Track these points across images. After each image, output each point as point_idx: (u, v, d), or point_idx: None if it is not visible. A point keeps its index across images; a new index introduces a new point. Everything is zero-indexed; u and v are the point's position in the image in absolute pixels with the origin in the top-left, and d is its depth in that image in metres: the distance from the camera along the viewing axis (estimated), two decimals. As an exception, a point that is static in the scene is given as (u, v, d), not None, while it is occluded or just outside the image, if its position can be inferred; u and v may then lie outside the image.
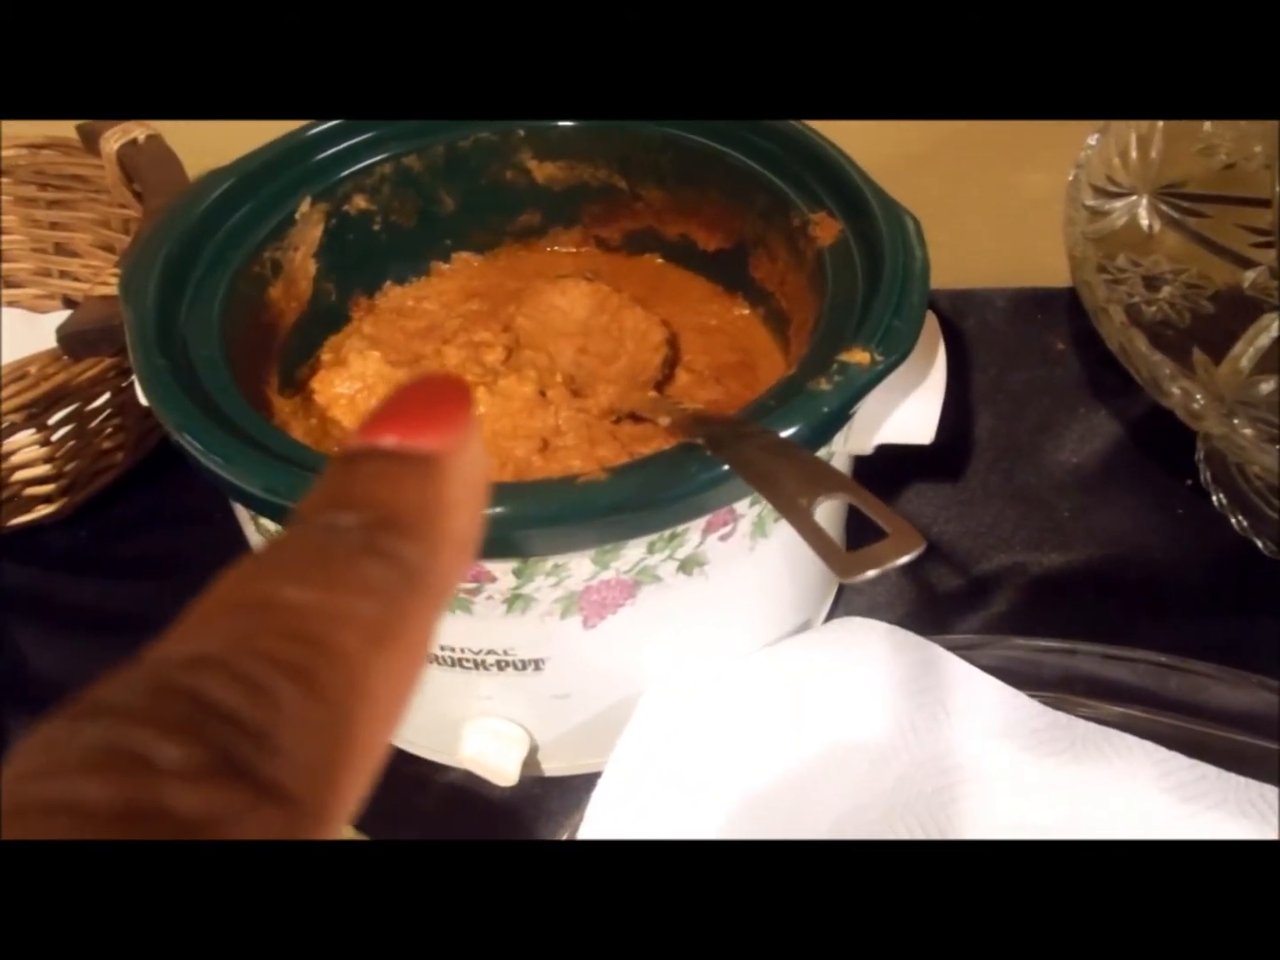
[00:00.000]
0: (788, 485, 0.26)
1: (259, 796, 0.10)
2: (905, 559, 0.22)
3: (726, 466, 0.30)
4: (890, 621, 0.39)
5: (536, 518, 0.30)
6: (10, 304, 0.56)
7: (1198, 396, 0.36)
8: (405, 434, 0.13)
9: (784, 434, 0.31)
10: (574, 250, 0.47)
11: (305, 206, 0.41)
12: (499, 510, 0.29)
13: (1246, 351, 0.40)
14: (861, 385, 0.32)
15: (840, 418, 0.33)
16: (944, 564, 0.46)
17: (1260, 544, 0.44)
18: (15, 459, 0.44)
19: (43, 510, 0.47)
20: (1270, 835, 0.35)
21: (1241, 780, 0.35)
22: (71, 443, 0.45)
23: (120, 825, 0.10)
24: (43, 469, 0.45)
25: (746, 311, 0.44)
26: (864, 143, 0.40)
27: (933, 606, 0.44)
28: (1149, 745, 0.36)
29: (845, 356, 0.33)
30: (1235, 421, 0.36)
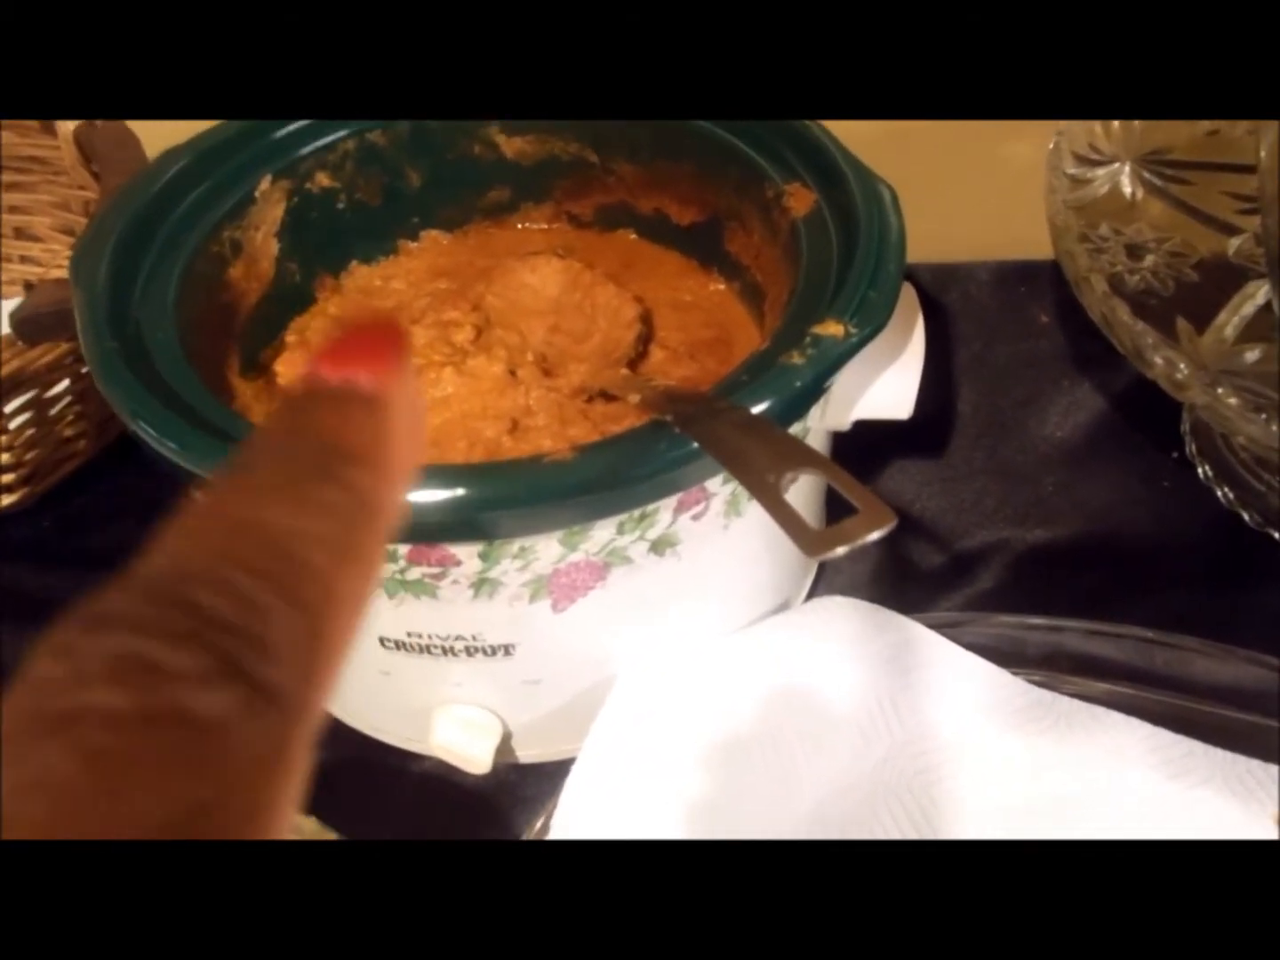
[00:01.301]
0: (756, 462, 0.25)
1: (258, 696, 0.12)
2: (876, 535, 0.22)
3: (696, 444, 0.29)
4: (872, 600, 0.38)
5: (501, 499, 0.29)
6: (-29, 291, 0.55)
7: (1181, 366, 0.36)
8: (349, 373, 0.14)
9: (756, 409, 0.30)
10: (545, 227, 0.46)
11: (265, 185, 0.40)
12: (462, 492, 0.29)
13: (1231, 320, 0.39)
14: (836, 358, 0.31)
15: (814, 392, 0.32)
16: (926, 541, 0.45)
17: (1247, 516, 0.44)
18: (-27, 448, 0.43)
19: (4, 500, 0.46)
20: (1258, 811, 0.34)
21: (1229, 755, 0.35)
22: (30, 431, 0.44)
23: (143, 730, 0.11)
24: (2, 458, 0.44)
25: (722, 286, 0.43)
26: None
27: (915, 585, 0.44)
28: (1135, 721, 0.36)
29: (819, 329, 0.32)
30: (1220, 391, 0.36)
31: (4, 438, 0.43)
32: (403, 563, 0.31)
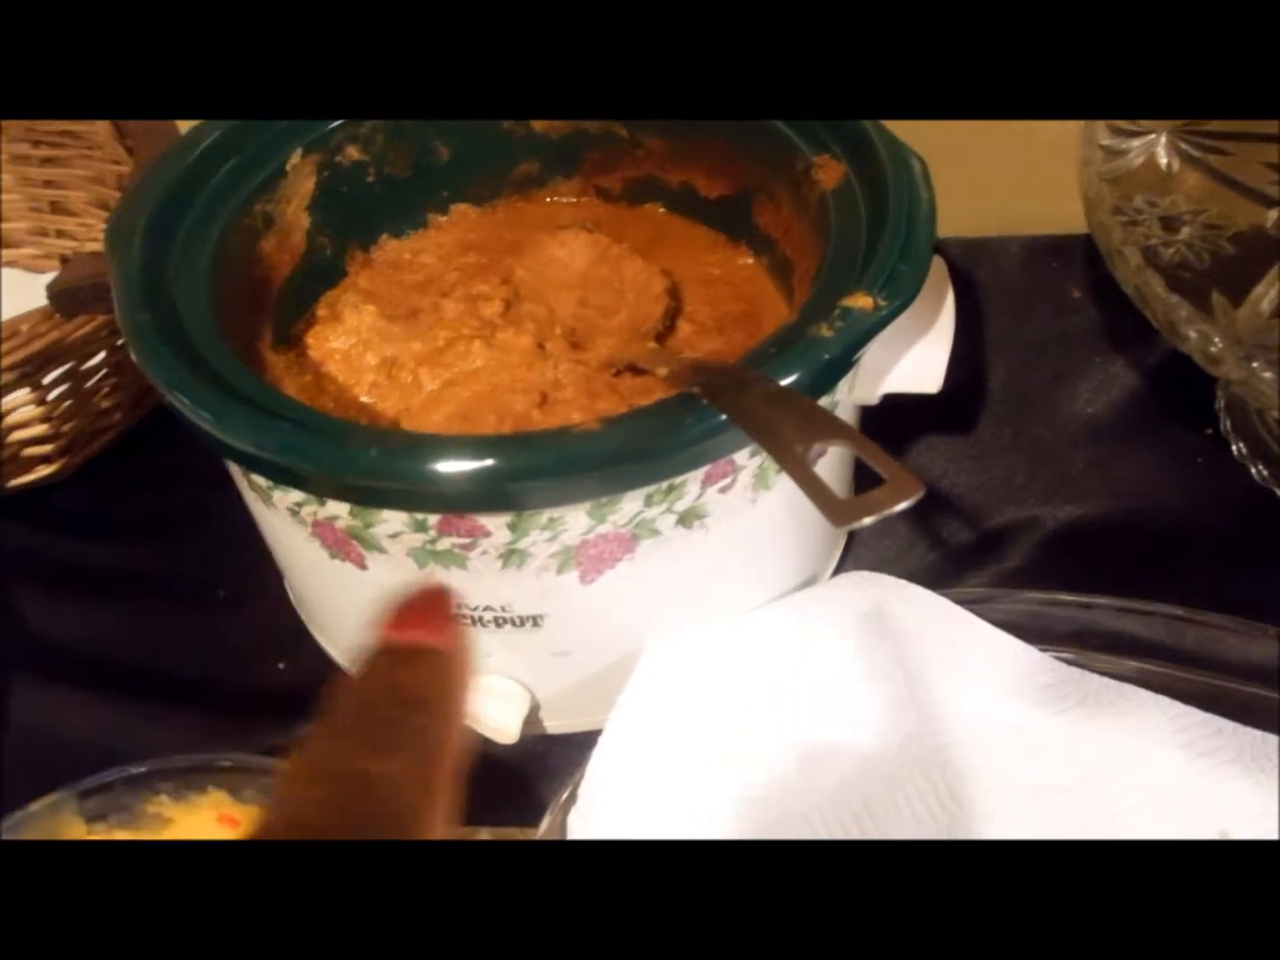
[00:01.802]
0: (784, 433, 0.25)
1: None
2: (903, 505, 0.22)
3: (724, 416, 0.29)
4: (899, 575, 0.38)
5: (530, 469, 0.29)
6: (8, 264, 0.55)
7: (1216, 340, 0.35)
8: (413, 636, 0.18)
9: (784, 382, 0.30)
10: (574, 200, 0.46)
11: (296, 158, 0.40)
12: (492, 462, 0.29)
13: (1268, 294, 0.38)
14: (865, 331, 0.31)
15: (843, 365, 0.32)
16: (955, 517, 0.45)
17: (1281, 493, 0.43)
18: (11, 419, 0.44)
19: (42, 471, 0.47)
20: (1286, 789, 0.34)
21: (1258, 734, 0.35)
22: (68, 403, 0.45)
23: None
24: (40, 429, 0.45)
25: (750, 261, 0.43)
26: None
27: (943, 560, 0.44)
28: (1164, 700, 0.36)
29: (848, 302, 0.31)
30: (1255, 365, 0.35)
31: (42, 409, 0.44)
32: (433, 533, 0.31)
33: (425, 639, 0.18)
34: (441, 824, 0.16)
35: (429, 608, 0.19)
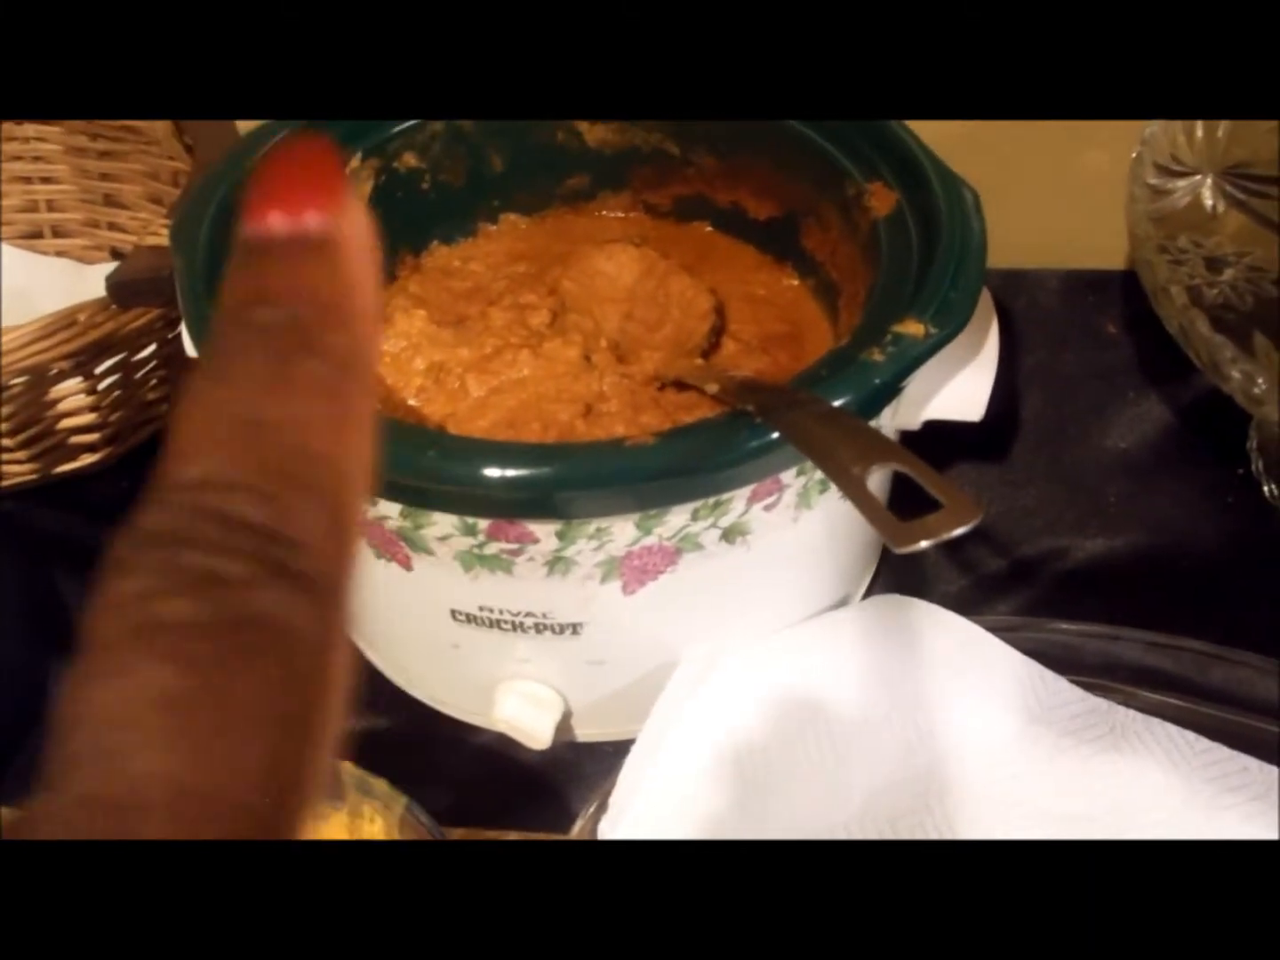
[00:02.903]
0: (841, 453, 0.25)
1: (301, 589, 0.12)
2: (962, 530, 0.22)
3: (776, 434, 0.29)
4: (930, 600, 0.39)
5: (582, 479, 0.30)
6: (59, 253, 0.56)
7: (1259, 380, 0.36)
8: (292, 215, 0.14)
9: (835, 404, 0.30)
10: (622, 215, 0.47)
11: (356, 162, 0.41)
12: (549, 470, 0.29)
13: (1309, 338, 0.39)
14: (915, 357, 0.32)
15: (891, 389, 0.32)
16: (986, 545, 0.45)
17: (1312, 536, 0.44)
18: (61, 406, 0.45)
19: (87, 459, 0.47)
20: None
21: (1284, 773, 0.35)
22: (117, 393, 0.45)
23: (225, 634, 0.12)
24: (88, 418, 0.45)
25: (795, 282, 0.44)
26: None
27: (974, 587, 0.44)
28: (1190, 735, 0.36)
29: (899, 328, 0.32)
30: (1296, 408, 0.35)
31: (92, 398, 0.45)
32: (482, 538, 0.32)
33: (313, 222, 0.14)
34: (360, 463, 0.14)
35: (310, 174, 0.14)
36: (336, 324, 0.14)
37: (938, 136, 0.39)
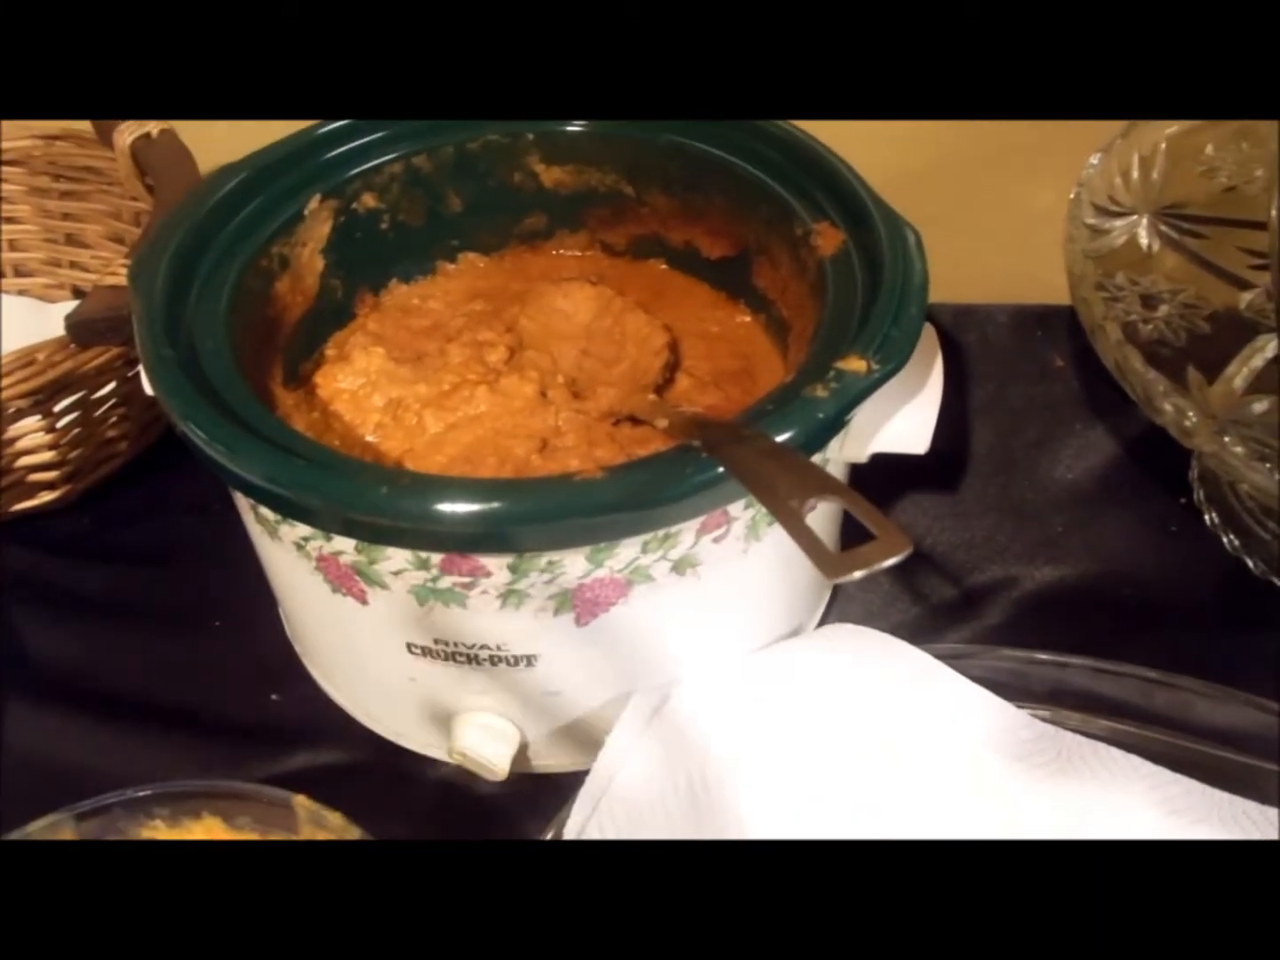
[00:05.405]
0: (780, 487, 0.26)
1: None
2: (892, 561, 0.23)
3: (721, 469, 0.30)
4: (882, 629, 0.39)
5: (533, 514, 0.30)
6: (20, 292, 0.56)
7: (1190, 414, 0.37)
8: None
9: (780, 439, 0.31)
10: (579, 254, 0.47)
11: (314, 203, 0.41)
12: (499, 505, 0.30)
13: (1240, 371, 0.40)
14: (857, 393, 0.33)
15: (836, 424, 0.33)
16: (937, 574, 0.46)
17: (1251, 563, 0.45)
18: (20, 445, 0.45)
19: (46, 496, 0.47)
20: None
21: (1226, 796, 0.36)
22: (76, 430, 0.46)
23: None
24: (47, 455, 0.46)
25: (748, 319, 0.45)
26: (868, 156, 0.41)
27: (925, 616, 0.45)
28: (1136, 759, 0.37)
29: (842, 364, 0.33)
30: (1226, 440, 0.37)
31: (50, 436, 0.45)
32: (435, 571, 0.32)
33: None
34: None
35: None
36: None
37: (891, 175, 0.40)
